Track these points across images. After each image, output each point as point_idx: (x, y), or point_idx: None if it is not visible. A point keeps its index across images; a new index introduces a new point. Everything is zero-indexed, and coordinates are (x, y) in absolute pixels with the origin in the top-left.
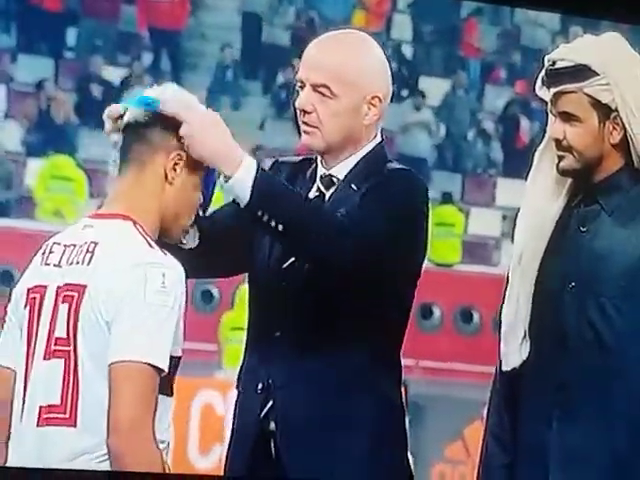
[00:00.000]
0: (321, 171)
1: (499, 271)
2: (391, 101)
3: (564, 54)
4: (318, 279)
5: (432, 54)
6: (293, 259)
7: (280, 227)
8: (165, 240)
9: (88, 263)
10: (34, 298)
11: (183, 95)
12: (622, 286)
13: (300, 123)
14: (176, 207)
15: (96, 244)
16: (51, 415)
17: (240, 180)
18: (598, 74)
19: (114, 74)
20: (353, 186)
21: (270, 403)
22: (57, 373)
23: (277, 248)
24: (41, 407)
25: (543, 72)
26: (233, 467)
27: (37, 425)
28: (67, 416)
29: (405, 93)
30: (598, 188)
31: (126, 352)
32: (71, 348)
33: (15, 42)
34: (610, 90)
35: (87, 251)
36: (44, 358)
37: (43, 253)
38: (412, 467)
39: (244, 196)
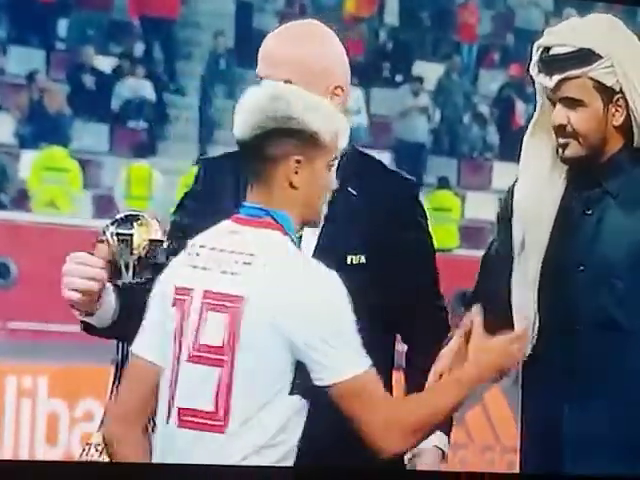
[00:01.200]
0: None
1: None
2: (386, 86)
3: (560, 39)
4: None
5: (425, 38)
6: None
7: None
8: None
9: (247, 275)
10: (182, 300)
11: None
12: (631, 267)
13: None
14: (309, 201)
15: (253, 255)
16: (200, 420)
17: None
18: (602, 57)
19: (106, 64)
20: (351, 190)
21: None
22: (208, 379)
23: None
24: (180, 409)
25: (538, 59)
26: None
27: (178, 426)
28: (221, 423)
29: (400, 78)
30: (600, 170)
31: (349, 370)
32: (227, 358)
33: (5, 34)
34: (614, 72)
35: (243, 262)
36: (188, 361)
37: (189, 254)
38: None
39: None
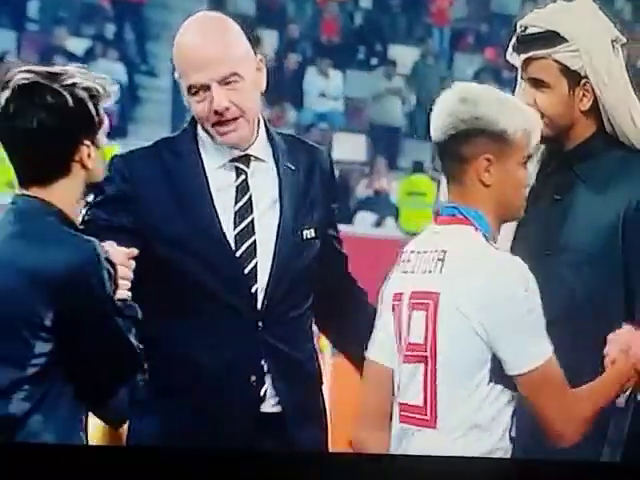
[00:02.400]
0: (230, 153)
1: None
2: (361, 69)
3: (534, 20)
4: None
5: (400, 22)
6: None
7: None
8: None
9: (440, 271)
10: (397, 304)
11: None
12: (598, 253)
13: (217, 127)
14: (503, 198)
15: (445, 252)
16: (412, 415)
17: None
18: (567, 40)
19: (78, 45)
20: (290, 165)
21: (266, 390)
22: (417, 376)
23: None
24: (401, 404)
25: (515, 38)
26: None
27: (399, 422)
28: (428, 417)
29: (375, 61)
30: (571, 155)
31: (534, 359)
32: (429, 353)
33: None
34: (579, 56)
35: (438, 259)
36: (404, 361)
37: (402, 261)
38: None
39: None
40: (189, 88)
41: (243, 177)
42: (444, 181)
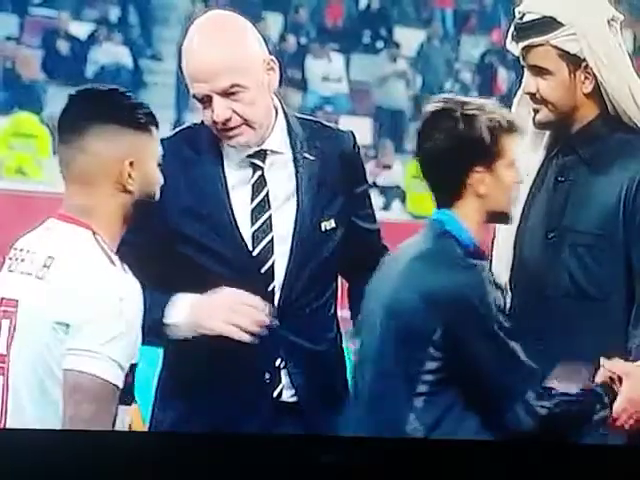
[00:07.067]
0: (246, 150)
1: None
2: (366, 52)
3: (530, 6)
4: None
5: (405, 4)
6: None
7: None
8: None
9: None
10: None
11: None
12: (600, 235)
13: (222, 132)
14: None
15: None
16: None
17: None
18: (564, 25)
19: (81, 29)
20: (308, 155)
21: (283, 385)
22: None
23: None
24: None
25: (512, 26)
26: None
27: None
28: None
29: (380, 45)
30: (575, 138)
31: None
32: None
33: None
34: (577, 40)
35: None
36: None
37: None
38: None
39: None
40: (194, 96)
41: (259, 173)
42: None
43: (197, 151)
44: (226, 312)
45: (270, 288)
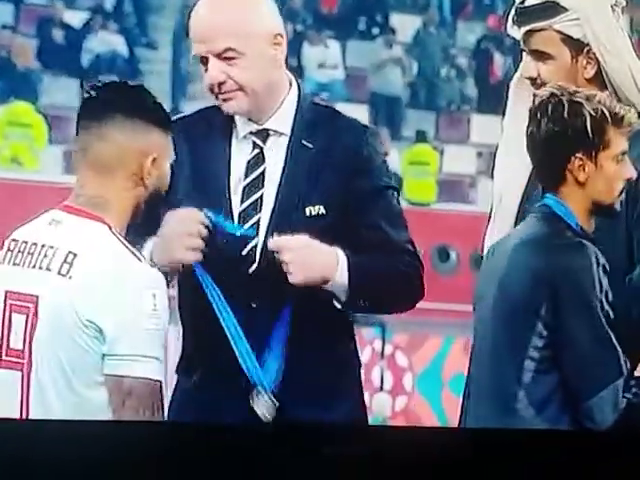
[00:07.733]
0: (250, 126)
1: (475, 209)
2: (362, 39)
3: None
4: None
5: None
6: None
7: (370, 303)
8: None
9: None
10: None
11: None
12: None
13: (218, 97)
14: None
15: None
16: None
17: (339, 284)
18: (567, 9)
19: (76, 18)
20: (305, 143)
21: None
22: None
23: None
24: None
25: (513, 10)
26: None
27: None
28: None
29: (376, 31)
30: None
31: None
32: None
33: None
34: (580, 25)
35: None
36: None
37: None
38: None
39: (342, 297)
40: (194, 57)
41: (257, 151)
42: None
43: (210, 127)
44: (181, 239)
45: (250, 271)
